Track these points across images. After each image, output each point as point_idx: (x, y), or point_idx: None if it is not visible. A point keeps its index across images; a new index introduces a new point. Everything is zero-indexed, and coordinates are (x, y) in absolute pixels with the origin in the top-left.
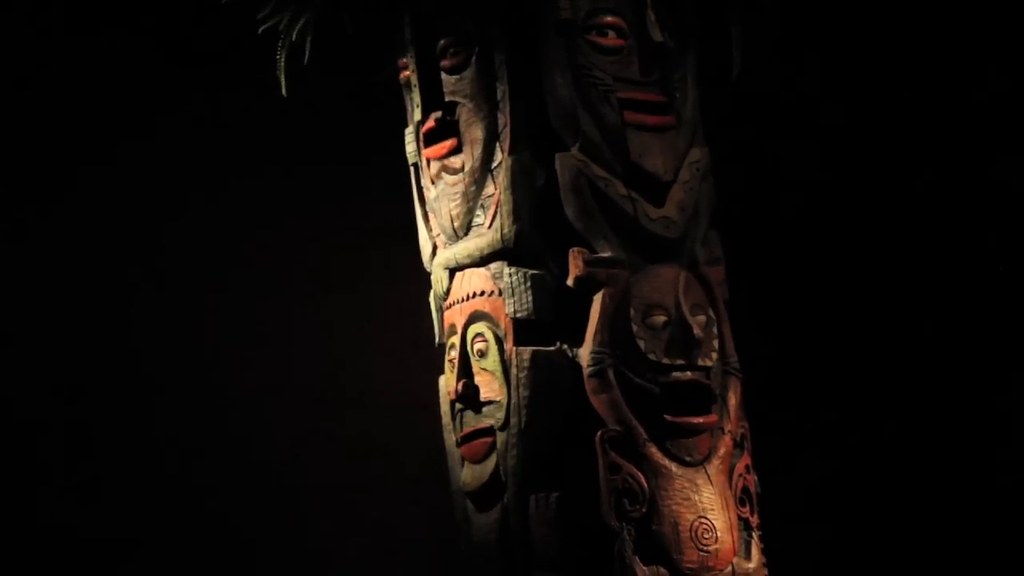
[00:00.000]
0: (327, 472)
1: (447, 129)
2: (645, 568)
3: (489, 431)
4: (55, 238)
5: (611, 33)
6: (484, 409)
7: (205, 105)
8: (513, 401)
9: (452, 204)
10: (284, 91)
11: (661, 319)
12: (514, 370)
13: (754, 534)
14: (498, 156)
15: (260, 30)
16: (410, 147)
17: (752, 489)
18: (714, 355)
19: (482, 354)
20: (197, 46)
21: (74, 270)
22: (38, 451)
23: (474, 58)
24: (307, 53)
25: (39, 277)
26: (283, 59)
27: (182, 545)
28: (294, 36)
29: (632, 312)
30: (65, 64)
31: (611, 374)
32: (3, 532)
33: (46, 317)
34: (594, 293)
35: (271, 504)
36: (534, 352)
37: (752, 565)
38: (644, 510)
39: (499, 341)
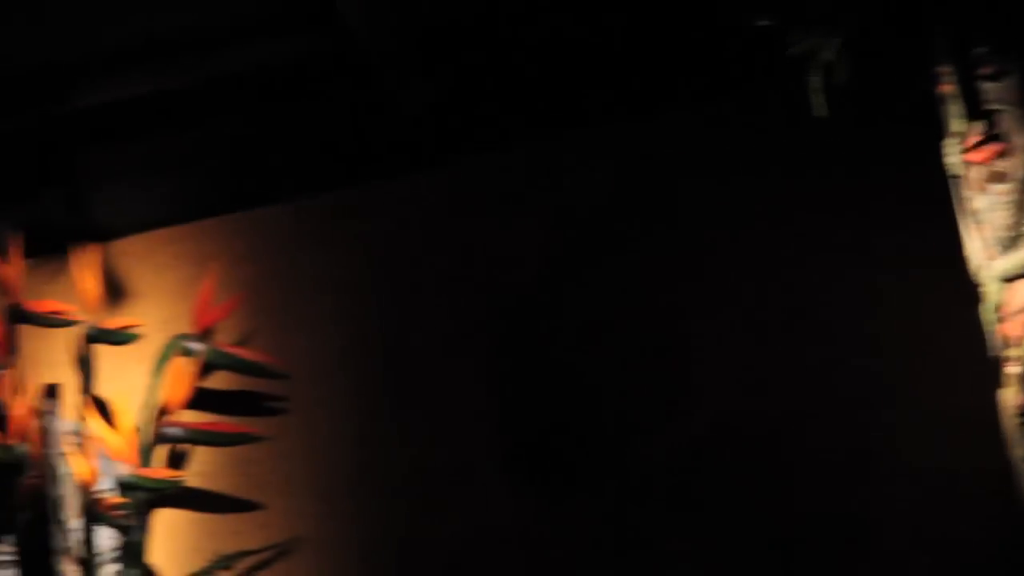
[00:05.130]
0: (882, 489)
1: (991, 137)
2: None
3: None
4: None
5: None
6: None
7: (734, 126)
8: None
9: (1001, 214)
10: (820, 111)
11: None
12: None
13: None
14: None
15: (788, 52)
16: (952, 158)
17: None
18: None
19: None
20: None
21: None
22: None
23: (1019, 65)
24: (841, 74)
25: None
26: (819, 80)
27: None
28: (826, 58)
29: None
30: None
31: None
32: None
33: None
34: None
35: (830, 524)
36: None
37: None
38: None
39: None
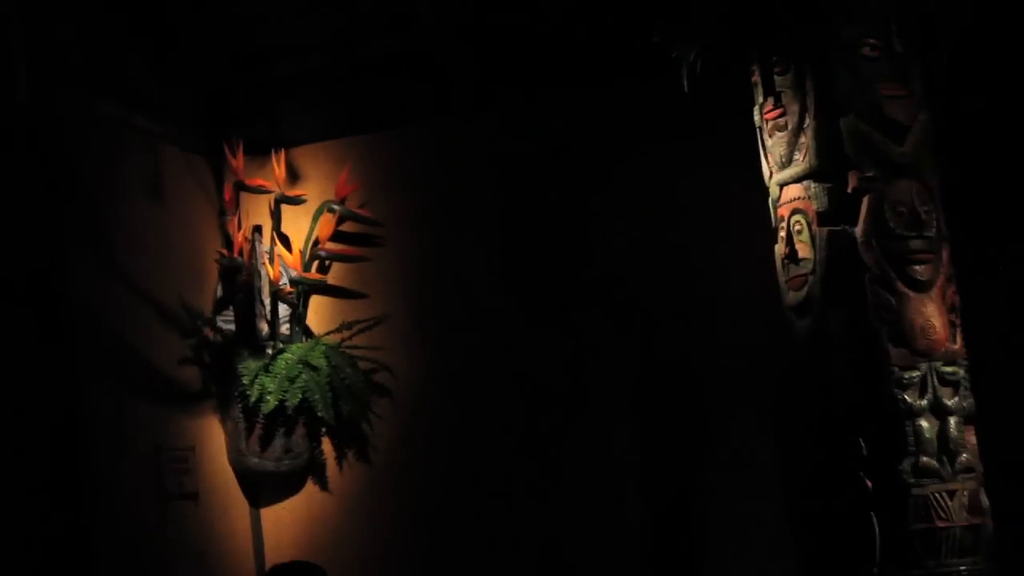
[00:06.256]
0: (714, 312)
1: (777, 105)
2: (894, 349)
3: (803, 276)
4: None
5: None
6: (800, 263)
7: (632, 101)
8: (818, 258)
9: (781, 148)
10: (687, 88)
11: (902, 209)
12: (819, 240)
13: (957, 331)
14: (807, 120)
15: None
16: (757, 117)
17: (957, 304)
18: (934, 228)
19: (799, 232)
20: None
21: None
22: None
23: (792, 66)
24: (696, 68)
25: None
26: (686, 70)
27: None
28: (691, 59)
29: (885, 205)
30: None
31: (873, 242)
32: None
33: None
34: (863, 196)
35: (685, 335)
36: (829, 231)
37: (956, 347)
38: (894, 318)
39: (809, 225)
